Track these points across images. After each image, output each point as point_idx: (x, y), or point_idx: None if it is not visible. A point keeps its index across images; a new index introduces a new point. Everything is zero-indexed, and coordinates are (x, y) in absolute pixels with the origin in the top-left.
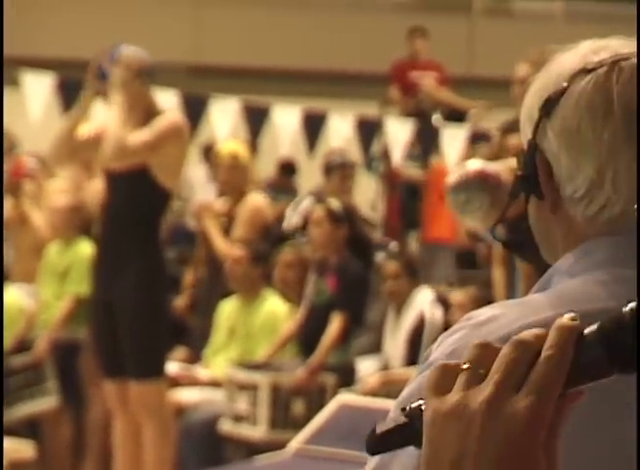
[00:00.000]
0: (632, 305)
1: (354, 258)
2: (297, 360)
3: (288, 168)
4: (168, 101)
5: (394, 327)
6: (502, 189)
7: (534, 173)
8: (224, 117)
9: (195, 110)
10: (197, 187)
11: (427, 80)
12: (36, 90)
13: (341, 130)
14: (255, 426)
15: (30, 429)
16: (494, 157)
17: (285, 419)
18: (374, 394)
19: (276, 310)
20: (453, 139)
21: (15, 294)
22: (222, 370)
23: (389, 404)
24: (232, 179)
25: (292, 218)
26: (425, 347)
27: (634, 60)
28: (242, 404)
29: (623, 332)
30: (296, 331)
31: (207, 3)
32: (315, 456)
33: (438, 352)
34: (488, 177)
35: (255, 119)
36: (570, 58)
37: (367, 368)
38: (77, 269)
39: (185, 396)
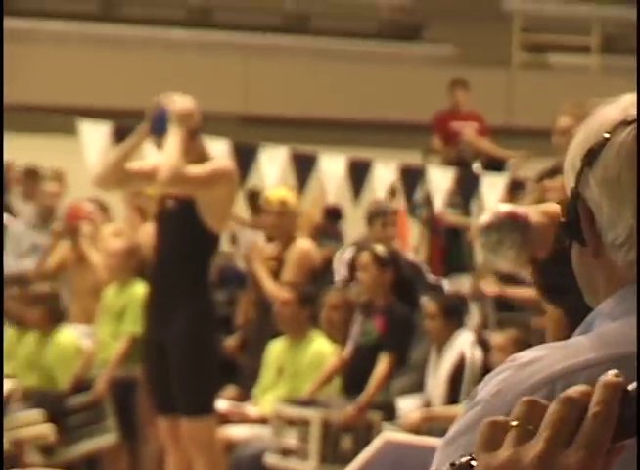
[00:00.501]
0: None
1: (400, 300)
2: (342, 397)
3: (334, 214)
4: (220, 149)
5: (436, 366)
6: (531, 230)
7: (577, 221)
8: (273, 165)
9: (245, 158)
10: (243, 231)
11: (467, 130)
12: (93, 138)
13: (385, 178)
14: (305, 461)
15: (88, 464)
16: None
17: (334, 454)
18: (416, 430)
19: (322, 350)
20: (492, 187)
21: (72, 334)
22: (271, 407)
23: (432, 441)
24: (281, 224)
25: (340, 270)
26: (465, 387)
27: None
28: (291, 440)
29: None
30: (340, 368)
31: (256, 56)
32: None
33: (484, 391)
34: (519, 218)
35: (303, 167)
36: (611, 110)
37: (408, 406)
38: (132, 310)
39: (235, 432)
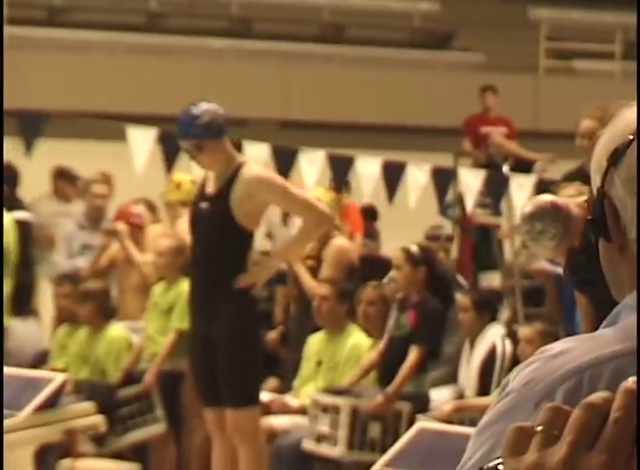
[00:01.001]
0: None
1: (433, 296)
2: (376, 388)
3: (370, 214)
4: (260, 153)
5: (469, 359)
6: (572, 220)
7: (603, 218)
8: (312, 168)
9: (284, 161)
10: (280, 229)
11: (496, 134)
12: (140, 143)
13: (418, 180)
14: (335, 446)
15: (136, 452)
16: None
17: (362, 441)
18: (448, 420)
19: (360, 344)
20: (521, 188)
21: (122, 329)
22: (310, 398)
23: (465, 430)
24: None
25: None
26: (496, 378)
27: None
28: (324, 426)
29: None
30: (377, 361)
31: (294, 64)
32: None
33: (515, 382)
34: (561, 209)
35: (340, 169)
36: (635, 112)
37: (441, 397)
38: (180, 307)
39: (276, 422)
